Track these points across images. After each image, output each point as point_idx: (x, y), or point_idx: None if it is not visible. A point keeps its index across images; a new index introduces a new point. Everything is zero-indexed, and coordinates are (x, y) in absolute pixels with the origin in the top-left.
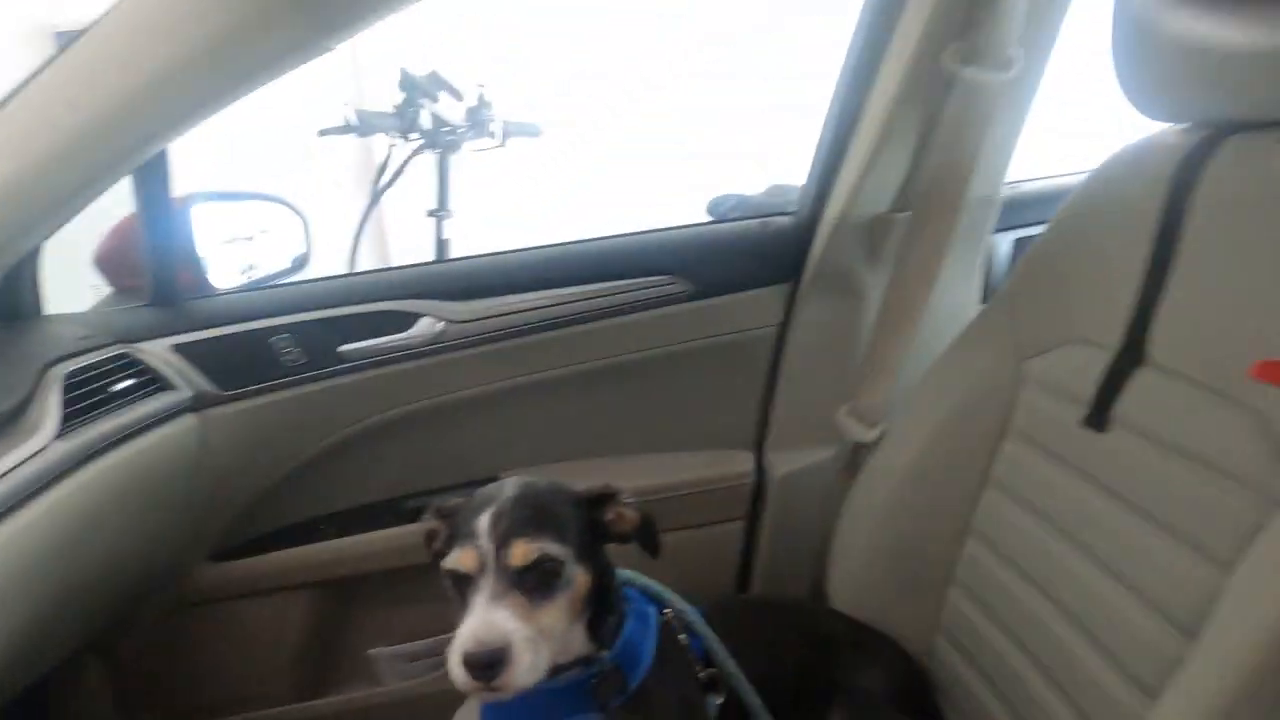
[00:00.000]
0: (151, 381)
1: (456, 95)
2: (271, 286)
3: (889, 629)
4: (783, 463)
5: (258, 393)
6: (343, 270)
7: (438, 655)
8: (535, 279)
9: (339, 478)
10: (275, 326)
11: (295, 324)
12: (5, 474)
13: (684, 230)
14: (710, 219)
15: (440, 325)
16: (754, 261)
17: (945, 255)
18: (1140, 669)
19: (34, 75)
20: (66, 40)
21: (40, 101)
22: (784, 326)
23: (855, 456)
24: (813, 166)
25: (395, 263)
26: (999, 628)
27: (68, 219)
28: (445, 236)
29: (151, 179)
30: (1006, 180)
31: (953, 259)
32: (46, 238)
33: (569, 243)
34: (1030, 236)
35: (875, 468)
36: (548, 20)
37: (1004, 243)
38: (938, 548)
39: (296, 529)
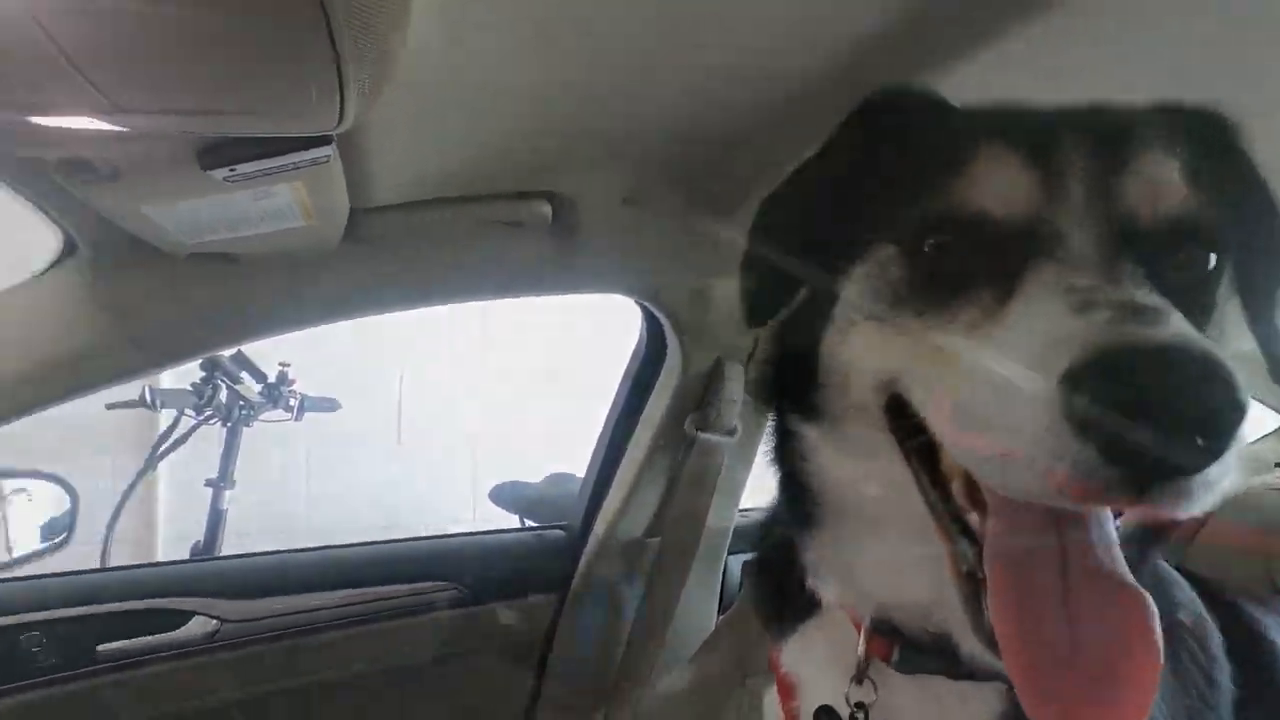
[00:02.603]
0: None
1: (258, 377)
2: (29, 579)
3: None
4: None
5: (3, 695)
6: (98, 549)
7: None
8: (314, 580)
9: None
10: (26, 624)
11: (48, 621)
12: None
13: (462, 539)
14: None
15: (213, 624)
16: (526, 571)
17: (688, 575)
18: None
19: None
20: None
21: None
22: (551, 632)
23: None
24: (582, 491)
25: (162, 541)
26: None
27: None
28: (223, 507)
29: None
30: (741, 509)
31: (694, 579)
32: None
33: (350, 545)
34: None
35: None
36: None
37: (737, 564)
38: None
39: None
